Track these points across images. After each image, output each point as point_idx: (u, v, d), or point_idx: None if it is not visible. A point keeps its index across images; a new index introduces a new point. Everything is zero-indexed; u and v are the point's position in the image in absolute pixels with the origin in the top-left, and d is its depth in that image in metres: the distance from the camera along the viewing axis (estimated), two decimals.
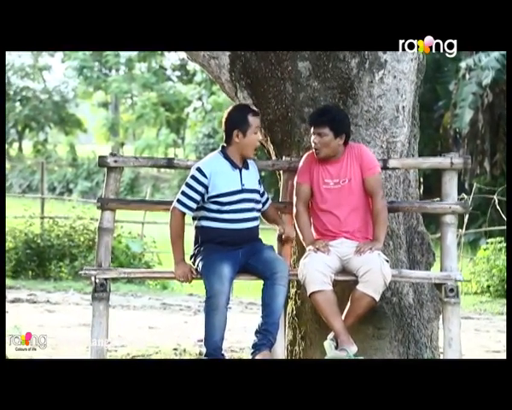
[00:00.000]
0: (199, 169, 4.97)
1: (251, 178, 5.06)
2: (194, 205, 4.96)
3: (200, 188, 4.94)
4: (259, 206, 5.11)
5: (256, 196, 5.07)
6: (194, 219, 5.07)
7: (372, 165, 5.03)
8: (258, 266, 4.93)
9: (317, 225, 5.09)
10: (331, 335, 4.93)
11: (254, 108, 5.12)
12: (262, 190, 5.17)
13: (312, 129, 5.04)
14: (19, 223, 13.67)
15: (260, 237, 5.12)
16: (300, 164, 5.14)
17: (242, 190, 4.98)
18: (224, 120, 5.04)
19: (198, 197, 4.95)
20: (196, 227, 5.05)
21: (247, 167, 5.05)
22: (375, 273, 4.81)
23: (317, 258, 4.89)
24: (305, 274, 4.88)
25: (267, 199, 5.21)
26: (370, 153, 5.11)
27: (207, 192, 4.94)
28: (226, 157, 5.00)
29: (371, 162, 5.03)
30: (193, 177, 4.96)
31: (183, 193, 4.97)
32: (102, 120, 42.17)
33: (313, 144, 5.02)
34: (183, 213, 4.98)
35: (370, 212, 5.06)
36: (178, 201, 4.98)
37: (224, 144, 5.05)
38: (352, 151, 5.05)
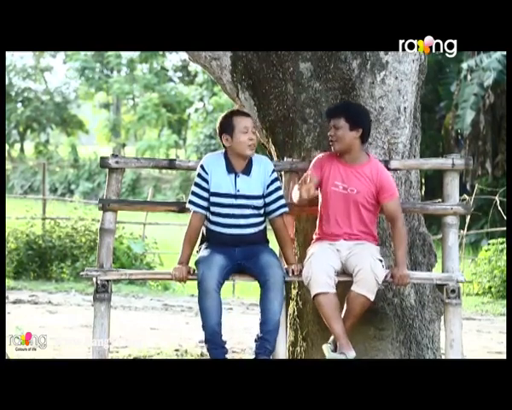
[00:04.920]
0: (201, 166, 5.00)
1: (251, 183, 4.96)
2: (203, 203, 4.95)
3: (204, 184, 4.96)
4: (261, 211, 5.01)
5: (255, 202, 4.96)
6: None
7: (392, 190, 4.98)
8: (255, 270, 4.90)
9: (319, 227, 5.09)
10: (332, 338, 4.93)
11: (243, 110, 5.09)
12: (274, 196, 4.99)
13: (329, 123, 5.02)
14: (20, 224, 13.70)
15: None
16: (316, 158, 5.11)
17: (236, 196, 4.94)
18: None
19: (205, 194, 4.95)
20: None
21: (248, 173, 4.97)
22: (366, 272, 4.79)
23: (322, 258, 4.87)
24: (310, 275, 4.85)
25: (279, 207, 5.04)
26: (390, 177, 5.03)
27: (210, 188, 4.95)
28: (226, 158, 4.98)
29: (390, 187, 4.98)
30: (198, 174, 5.00)
31: (192, 192, 5.00)
32: (104, 121, 42.28)
33: (330, 137, 4.99)
34: (199, 215, 4.97)
35: (373, 225, 5.05)
36: (189, 201, 5.00)
37: None
38: (372, 168, 4.98)
